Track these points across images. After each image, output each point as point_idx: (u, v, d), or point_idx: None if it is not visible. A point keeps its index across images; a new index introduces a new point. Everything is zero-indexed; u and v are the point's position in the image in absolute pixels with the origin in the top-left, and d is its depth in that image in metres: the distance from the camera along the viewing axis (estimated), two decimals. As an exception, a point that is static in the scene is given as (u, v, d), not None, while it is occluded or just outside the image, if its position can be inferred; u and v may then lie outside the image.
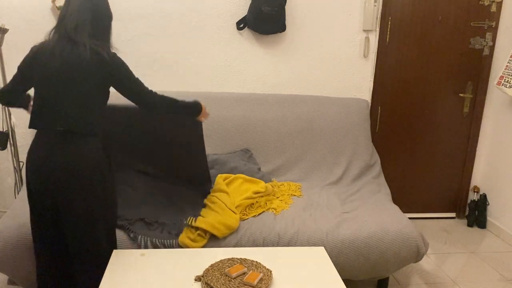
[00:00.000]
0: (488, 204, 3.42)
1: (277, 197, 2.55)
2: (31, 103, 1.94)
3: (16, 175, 2.74)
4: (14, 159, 2.70)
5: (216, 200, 2.30)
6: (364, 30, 3.15)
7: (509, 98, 3.20)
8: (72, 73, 1.67)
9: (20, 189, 2.72)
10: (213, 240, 2.11)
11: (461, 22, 3.19)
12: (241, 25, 3.01)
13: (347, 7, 3.09)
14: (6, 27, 2.57)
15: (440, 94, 3.32)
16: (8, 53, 2.85)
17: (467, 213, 3.54)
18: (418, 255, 2.23)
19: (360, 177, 2.91)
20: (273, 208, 2.40)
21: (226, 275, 1.67)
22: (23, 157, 2.73)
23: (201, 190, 2.48)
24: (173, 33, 2.98)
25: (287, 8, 3.01)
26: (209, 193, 2.42)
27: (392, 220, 2.28)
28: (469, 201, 3.54)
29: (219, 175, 2.56)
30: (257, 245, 2.13)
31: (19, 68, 1.80)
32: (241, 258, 1.79)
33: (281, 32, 3.02)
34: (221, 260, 1.77)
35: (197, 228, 2.11)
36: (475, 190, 3.50)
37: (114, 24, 2.95)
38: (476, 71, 3.30)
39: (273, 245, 2.14)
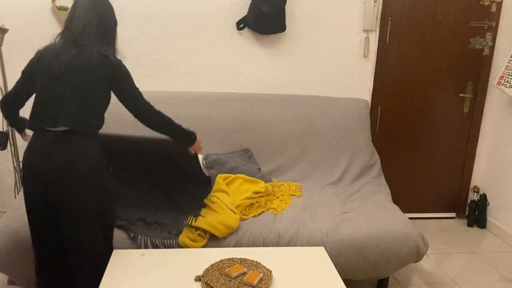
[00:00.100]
0: (488, 204, 3.42)
1: (277, 197, 2.55)
2: (26, 131, 1.99)
3: (16, 175, 2.74)
4: (14, 159, 2.70)
5: (216, 200, 2.30)
6: (364, 30, 3.15)
7: (509, 98, 3.20)
8: (77, 74, 1.69)
9: (20, 189, 2.72)
10: (213, 240, 2.11)
11: (461, 22, 3.19)
12: (241, 25, 3.01)
13: (347, 7, 3.09)
14: (6, 27, 2.57)
15: (440, 94, 3.32)
16: (8, 53, 2.85)
17: (467, 213, 3.54)
18: (418, 255, 2.23)
19: (360, 177, 2.91)
20: (273, 208, 2.40)
21: (226, 275, 1.67)
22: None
23: (201, 190, 2.48)
24: (173, 33, 2.98)
25: (287, 8, 3.01)
26: (209, 193, 2.42)
27: (392, 220, 2.28)
28: (469, 201, 3.54)
29: (219, 175, 2.56)
30: (257, 245, 2.13)
31: (23, 72, 1.81)
32: (241, 258, 1.79)
33: (281, 32, 3.02)
34: (221, 260, 1.77)
35: (197, 228, 2.11)
36: (475, 190, 3.50)
37: (114, 24, 2.95)
38: (476, 71, 3.30)
39: (273, 245, 2.14)
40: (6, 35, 2.80)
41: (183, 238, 2.08)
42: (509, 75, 3.00)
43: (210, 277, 1.64)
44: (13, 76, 2.89)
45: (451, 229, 3.38)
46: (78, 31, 1.71)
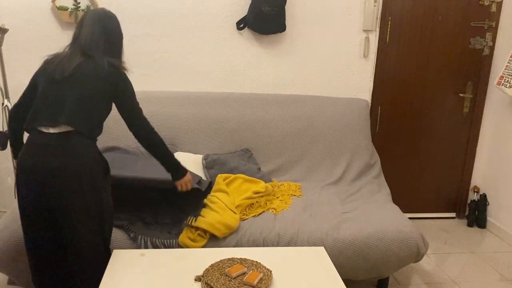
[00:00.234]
0: (488, 204, 3.42)
1: (277, 197, 2.55)
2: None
3: (16, 175, 2.74)
4: (14, 159, 2.70)
5: (216, 200, 2.30)
6: (364, 30, 3.15)
7: (509, 98, 3.20)
8: (81, 80, 1.71)
9: (20, 189, 2.72)
10: (213, 240, 2.11)
11: (461, 22, 3.19)
12: (241, 25, 3.01)
13: (347, 7, 3.09)
14: (6, 27, 2.57)
15: (440, 94, 3.32)
16: (8, 53, 2.85)
17: (467, 213, 3.54)
18: (418, 255, 2.23)
19: (360, 177, 2.91)
20: (273, 208, 2.40)
21: (226, 275, 1.67)
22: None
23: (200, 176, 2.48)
24: (173, 33, 2.98)
25: (287, 8, 3.01)
26: (209, 193, 2.42)
27: (392, 220, 2.28)
28: (469, 201, 3.54)
29: (219, 175, 2.56)
30: (257, 245, 2.13)
31: (30, 81, 1.84)
32: (241, 258, 1.79)
33: (281, 32, 3.02)
34: (221, 260, 1.77)
35: (197, 228, 2.11)
36: (475, 190, 3.50)
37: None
38: (476, 71, 3.30)
39: (273, 245, 2.14)
40: (6, 35, 2.80)
41: (183, 238, 2.08)
42: (509, 75, 3.00)
43: (210, 277, 1.64)
44: (13, 76, 2.90)
45: (451, 229, 3.38)
46: (86, 43, 1.76)
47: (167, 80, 3.06)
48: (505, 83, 3.02)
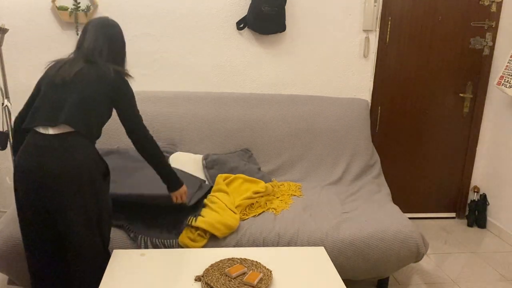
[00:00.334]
0: (488, 204, 3.42)
1: (277, 197, 2.55)
2: None
3: (16, 175, 2.73)
4: (14, 159, 2.70)
5: (216, 200, 2.30)
6: (364, 30, 3.15)
7: (509, 98, 3.20)
8: (83, 83, 1.72)
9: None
10: (213, 240, 2.11)
11: (461, 22, 3.19)
12: (241, 25, 3.01)
13: (347, 7, 3.09)
14: (6, 27, 2.57)
15: (440, 94, 3.32)
16: (8, 53, 2.85)
17: (467, 213, 3.54)
18: (418, 255, 2.23)
19: (360, 177, 2.91)
20: (273, 208, 2.40)
21: (226, 275, 1.67)
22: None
23: (202, 180, 2.48)
24: (173, 33, 2.98)
25: (287, 8, 3.01)
26: (209, 193, 2.42)
27: (392, 220, 2.28)
28: (469, 201, 3.54)
29: (219, 175, 2.56)
30: (257, 245, 2.13)
31: (33, 88, 1.85)
32: (241, 258, 1.79)
33: (281, 32, 3.02)
34: (221, 260, 1.77)
35: (197, 228, 2.11)
36: (475, 190, 3.50)
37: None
38: (476, 71, 3.30)
39: (273, 245, 2.14)
40: (6, 35, 2.80)
41: (183, 238, 2.08)
42: (509, 75, 3.00)
43: (210, 277, 1.64)
44: (13, 76, 2.90)
45: (451, 229, 3.38)
46: (89, 49, 1.78)
47: (167, 80, 3.06)
48: (505, 83, 3.02)
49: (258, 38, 3.07)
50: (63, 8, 2.80)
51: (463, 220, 3.55)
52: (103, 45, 1.80)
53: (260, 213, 2.34)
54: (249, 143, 2.89)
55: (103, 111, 1.78)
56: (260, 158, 2.89)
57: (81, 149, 1.68)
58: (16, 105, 2.93)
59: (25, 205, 1.70)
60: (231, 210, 2.24)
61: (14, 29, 2.82)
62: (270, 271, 1.71)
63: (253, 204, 2.41)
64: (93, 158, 1.72)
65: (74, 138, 1.68)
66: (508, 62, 3.02)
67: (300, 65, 3.15)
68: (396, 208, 2.46)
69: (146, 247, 2.05)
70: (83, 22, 2.85)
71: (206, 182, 2.55)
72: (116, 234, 2.07)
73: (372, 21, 3.11)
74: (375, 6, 3.08)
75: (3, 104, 2.60)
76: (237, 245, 2.12)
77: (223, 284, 1.60)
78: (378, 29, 3.15)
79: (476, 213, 3.44)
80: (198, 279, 1.66)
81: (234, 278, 1.65)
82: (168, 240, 2.07)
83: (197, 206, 2.29)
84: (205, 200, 2.33)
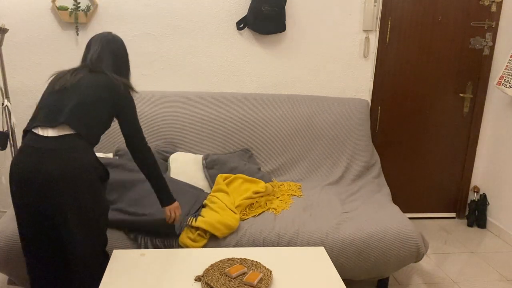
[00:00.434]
0: (488, 204, 3.42)
1: (277, 197, 2.55)
2: None
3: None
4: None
5: (216, 200, 2.30)
6: (364, 30, 3.15)
7: (509, 98, 3.20)
8: (83, 86, 1.73)
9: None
10: (213, 240, 2.11)
11: (461, 22, 3.19)
12: (241, 25, 3.01)
13: (347, 7, 3.09)
14: (6, 27, 2.57)
15: (440, 94, 3.32)
16: (8, 53, 2.85)
17: (467, 213, 3.54)
18: (418, 255, 2.23)
19: (360, 177, 2.91)
20: (273, 208, 2.40)
21: (226, 275, 1.67)
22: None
23: (201, 190, 2.48)
24: (173, 33, 2.98)
25: (287, 8, 3.01)
26: (209, 193, 2.42)
27: (392, 220, 2.28)
28: (469, 201, 3.54)
29: (219, 175, 2.56)
30: (257, 245, 2.13)
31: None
32: (241, 258, 1.79)
33: (281, 32, 3.02)
34: (221, 260, 1.77)
35: (197, 228, 2.11)
36: (475, 190, 3.50)
37: (114, 24, 2.96)
38: (476, 71, 3.30)
39: (273, 245, 2.14)
40: (6, 35, 2.80)
41: (183, 238, 2.08)
42: (509, 75, 3.00)
43: (210, 277, 1.64)
44: (13, 76, 2.90)
45: (451, 229, 3.38)
46: (93, 60, 1.82)
47: (167, 80, 3.06)
48: (505, 83, 3.02)
49: (258, 38, 3.07)
50: (63, 8, 2.80)
51: (463, 220, 3.55)
52: (107, 58, 1.84)
53: (260, 213, 2.34)
54: (249, 143, 2.89)
55: (103, 118, 1.78)
56: (260, 158, 2.89)
57: (80, 150, 1.67)
58: (16, 105, 2.94)
59: (23, 208, 1.68)
60: (231, 210, 2.24)
61: (14, 29, 2.82)
62: (270, 271, 1.71)
63: (253, 204, 2.41)
64: (92, 160, 1.71)
65: (74, 140, 1.67)
66: (508, 62, 3.02)
67: (300, 65, 3.16)
68: (396, 208, 2.46)
69: (146, 247, 2.05)
70: (83, 22, 2.85)
71: (205, 191, 2.54)
72: (116, 234, 2.07)
73: (372, 21, 3.11)
74: (375, 6, 3.08)
75: (3, 104, 2.60)
76: (237, 245, 2.12)
77: (223, 284, 1.60)
78: (378, 29, 3.15)
79: (476, 213, 3.44)
80: (198, 279, 1.66)
81: (234, 278, 1.65)
82: (168, 240, 2.07)
83: (197, 206, 2.29)
84: (205, 200, 2.33)
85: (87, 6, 2.83)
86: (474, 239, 3.23)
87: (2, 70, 2.59)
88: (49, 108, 1.70)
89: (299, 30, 3.09)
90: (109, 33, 1.92)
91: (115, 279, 1.65)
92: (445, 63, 3.26)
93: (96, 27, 2.89)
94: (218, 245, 2.11)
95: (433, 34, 3.19)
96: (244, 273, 1.69)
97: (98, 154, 2.59)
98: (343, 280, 2.24)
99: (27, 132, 1.71)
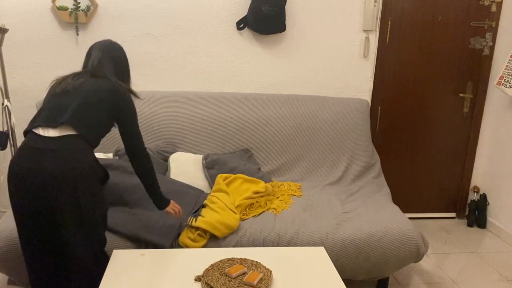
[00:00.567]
0: (488, 204, 3.42)
1: (277, 197, 2.55)
2: None
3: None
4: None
5: (216, 200, 2.30)
6: (364, 30, 3.15)
7: (509, 98, 3.20)
8: (85, 89, 1.75)
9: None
10: (213, 240, 2.11)
11: (461, 22, 3.19)
12: (241, 25, 3.01)
13: (347, 7, 3.09)
14: (6, 27, 2.57)
15: (440, 94, 3.32)
16: (8, 53, 2.85)
17: (467, 213, 3.54)
18: (418, 255, 2.23)
19: (360, 177, 2.91)
20: (273, 208, 2.40)
21: (226, 275, 1.67)
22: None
23: (201, 191, 2.48)
24: (173, 33, 2.98)
25: (287, 8, 3.01)
26: (209, 193, 2.42)
27: (392, 220, 2.28)
28: (469, 201, 3.54)
29: (219, 175, 2.56)
30: (257, 245, 2.13)
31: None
32: (241, 258, 1.79)
33: (281, 32, 3.02)
34: (221, 260, 1.77)
35: (197, 228, 2.11)
36: (475, 190, 3.50)
37: (114, 24, 2.96)
38: (476, 71, 3.30)
39: (273, 245, 2.14)
40: (6, 35, 2.80)
41: (183, 238, 2.08)
42: (509, 75, 3.00)
43: (210, 277, 1.64)
44: (13, 76, 2.90)
45: (451, 229, 3.38)
46: (94, 66, 1.85)
47: (167, 80, 3.06)
48: (505, 83, 3.02)
49: (258, 38, 3.07)
50: (63, 8, 2.80)
51: (463, 220, 3.55)
52: (108, 64, 1.86)
53: (260, 213, 2.34)
54: (249, 143, 2.89)
55: (104, 121, 1.78)
56: (260, 158, 2.89)
57: (81, 151, 1.67)
58: (16, 105, 2.94)
59: (21, 208, 1.68)
60: (231, 210, 2.24)
61: (14, 29, 2.82)
62: (270, 271, 1.71)
63: (253, 204, 2.41)
64: (90, 163, 1.70)
65: (74, 141, 1.67)
66: (508, 62, 3.02)
67: (300, 65, 3.16)
68: (396, 208, 2.46)
69: (146, 247, 2.05)
70: (83, 22, 2.85)
71: (205, 191, 2.54)
72: (116, 234, 2.07)
73: (372, 21, 3.11)
74: (375, 6, 3.08)
75: (3, 104, 2.60)
76: (237, 245, 2.12)
77: (223, 284, 1.60)
78: (378, 29, 3.15)
79: (476, 213, 3.44)
80: (198, 279, 1.66)
81: (234, 278, 1.65)
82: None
83: (197, 206, 2.30)
84: (205, 200, 2.33)
85: (87, 6, 2.83)
86: (474, 239, 3.23)
87: (2, 70, 2.59)
88: (51, 109, 1.71)
89: (299, 30, 3.09)
90: (109, 40, 1.95)
91: (115, 279, 1.65)
92: (445, 63, 3.26)
93: (96, 27, 2.89)
94: (218, 245, 2.11)
95: (433, 34, 3.19)
96: (244, 273, 1.69)
97: (98, 155, 2.60)
98: (343, 280, 2.24)
99: (27, 132, 1.71)
